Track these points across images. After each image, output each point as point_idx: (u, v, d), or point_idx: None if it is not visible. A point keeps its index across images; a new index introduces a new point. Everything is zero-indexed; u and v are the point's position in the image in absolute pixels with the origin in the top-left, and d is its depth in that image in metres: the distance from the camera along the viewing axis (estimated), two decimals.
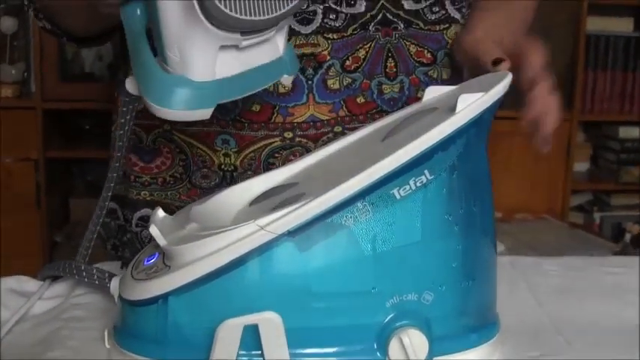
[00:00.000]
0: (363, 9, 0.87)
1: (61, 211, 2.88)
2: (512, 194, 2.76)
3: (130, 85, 0.70)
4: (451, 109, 0.62)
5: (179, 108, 0.62)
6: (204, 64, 0.62)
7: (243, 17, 0.59)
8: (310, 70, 0.86)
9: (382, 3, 0.88)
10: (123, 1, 0.65)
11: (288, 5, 0.64)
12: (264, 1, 0.61)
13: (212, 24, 0.59)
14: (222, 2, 0.58)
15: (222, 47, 0.62)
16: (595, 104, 2.90)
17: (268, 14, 0.62)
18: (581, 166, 2.99)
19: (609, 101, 2.90)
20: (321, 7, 0.86)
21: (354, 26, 0.87)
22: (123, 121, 0.74)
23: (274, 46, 0.68)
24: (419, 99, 0.87)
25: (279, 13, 0.63)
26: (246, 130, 0.88)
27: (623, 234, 2.79)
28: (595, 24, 2.84)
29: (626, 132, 2.89)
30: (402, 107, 0.88)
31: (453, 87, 0.74)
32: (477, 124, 0.63)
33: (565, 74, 2.77)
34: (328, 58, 0.86)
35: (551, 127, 0.75)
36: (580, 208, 3.05)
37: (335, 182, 0.59)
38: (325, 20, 0.86)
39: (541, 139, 0.76)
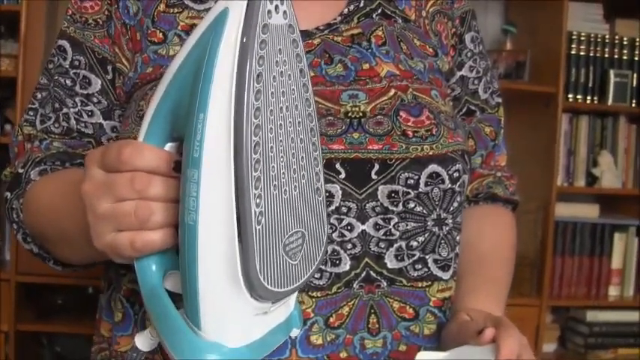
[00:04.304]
0: (347, 267, 0.88)
1: None
2: None
3: (140, 342, 0.72)
4: None
5: None
6: (238, 331, 0.66)
7: (279, 290, 0.65)
8: None
9: (366, 261, 0.88)
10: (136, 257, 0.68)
11: (309, 271, 0.70)
12: (293, 273, 0.66)
13: (253, 297, 0.64)
14: (266, 280, 0.63)
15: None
16: (563, 289, 2.93)
17: (296, 283, 0.67)
18: (549, 347, 2.99)
19: (577, 286, 2.95)
20: None
21: (339, 284, 0.87)
22: None
23: (288, 305, 0.74)
24: (401, 352, 0.90)
25: (303, 280, 0.69)
26: None
27: None
28: (563, 210, 2.92)
29: (593, 316, 2.91)
30: None
31: (444, 353, 0.79)
32: None
33: (534, 260, 2.82)
34: (312, 315, 0.87)
35: None
36: None
37: None
38: (310, 279, 0.87)
39: None
